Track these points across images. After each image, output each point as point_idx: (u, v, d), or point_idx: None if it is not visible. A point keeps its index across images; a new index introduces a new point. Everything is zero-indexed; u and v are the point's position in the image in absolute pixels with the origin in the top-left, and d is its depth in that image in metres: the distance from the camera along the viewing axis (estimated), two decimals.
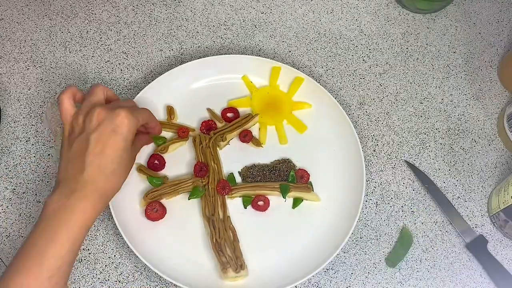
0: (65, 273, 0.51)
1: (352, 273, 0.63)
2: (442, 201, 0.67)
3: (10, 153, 0.66)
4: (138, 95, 0.67)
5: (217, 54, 0.74)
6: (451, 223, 0.66)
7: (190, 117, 0.69)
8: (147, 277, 0.61)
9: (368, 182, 0.68)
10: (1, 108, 0.68)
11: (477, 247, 0.65)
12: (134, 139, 0.57)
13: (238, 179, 0.66)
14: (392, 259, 0.63)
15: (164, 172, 0.66)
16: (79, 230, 0.51)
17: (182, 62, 0.73)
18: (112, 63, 0.73)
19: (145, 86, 0.68)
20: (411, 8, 0.80)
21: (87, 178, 0.52)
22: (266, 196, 0.64)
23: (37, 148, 0.67)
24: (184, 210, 0.63)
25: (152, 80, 0.68)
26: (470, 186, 0.69)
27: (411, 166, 0.69)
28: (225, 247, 0.60)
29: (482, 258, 0.64)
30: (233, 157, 0.67)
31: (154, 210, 0.62)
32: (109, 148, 0.53)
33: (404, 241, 0.64)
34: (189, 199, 0.63)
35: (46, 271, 0.49)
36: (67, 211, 0.51)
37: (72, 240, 0.51)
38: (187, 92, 0.70)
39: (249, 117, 0.68)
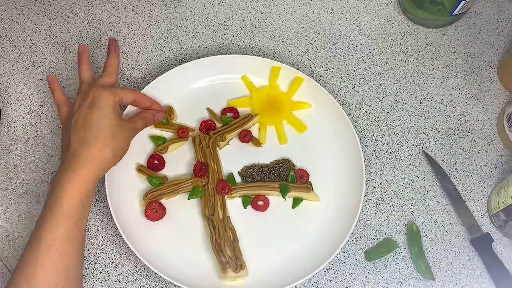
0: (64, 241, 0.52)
1: (352, 273, 0.63)
2: (452, 193, 0.68)
3: (10, 153, 0.66)
4: None
5: (216, 54, 0.74)
6: (458, 217, 0.66)
7: (190, 117, 0.69)
8: (147, 277, 0.61)
9: (368, 182, 0.68)
10: (1, 108, 0.68)
11: (482, 244, 0.65)
12: (133, 116, 0.63)
13: (238, 179, 0.66)
14: (372, 254, 0.63)
15: (163, 172, 0.66)
16: (67, 202, 0.53)
17: (181, 62, 0.73)
18: None
19: (144, 86, 0.68)
20: (415, 20, 0.80)
21: (71, 153, 0.55)
22: (266, 196, 0.64)
23: (36, 148, 0.67)
24: (183, 210, 0.63)
25: (152, 80, 0.68)
26: (469, 186, 0.69)
27: (427, 156, 0.70)
28: (225, 247, 0.60)
29: (486, 256, 0.64)
30: (233, 157, 0.67)
31: (154, 210, 0.62)
32: (88, 120, 0.56)
33: (389, 245, 0.64)
34: (188, 199, 0.63)
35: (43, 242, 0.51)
36: (54, 190, 0.53)
37: (63, 213, 0.52)
38: (186, 92, 0.70)
39: (249, 117, 0.68)
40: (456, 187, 0.68)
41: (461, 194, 0.68)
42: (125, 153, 0.60)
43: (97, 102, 0.57)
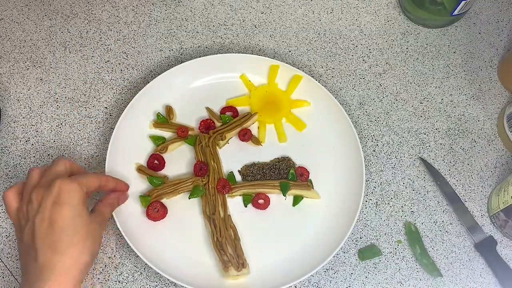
0: None
1: (352, 273, 0.63)
2: (452, 198, 0.67)
3: (10, 153, 0.66)
4: (138, 94, 0.67)
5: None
6: (459, 221, 0.66)
7: (189, 116, 0.69)
8: (147, 277, 0.61)
9: (368, 182, 0.68)
10: (1, 108, 0.68)
11: (486, 248, 0.64)
12: (97, 207, 0.55)
13: (238, 177, 0.66)
14: (365, 253, 0.63)
15: (164, 172, 0.66)
16: None
17: (181, 62, 0.73)
18: (112, 63, 0.73)
19: (144, 86, 0.68)
20: (415, 20, 0.80)
21: (42, 263, 0.47)
22: (267, 195, 0.64)
23: (36, 148, 0.67)
24: (184, 209, 0.63)
25: (152, 80, 0.68)
26: (470, 186, 0.69)
27: (424, 161, 0.69)
28: (226, 245, 0.60)
29: (491, 259, 0.64)
30: (233, 156, 0.67)
31: (156, 210, 0.62)
32: (56, 222, 0.48)
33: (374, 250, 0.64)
34: (189, 199, 0.63)
35: None
36: None
37: None
38: (185, 91, 0.70)
39: (248, 115, 0.68)
40: (455, 190, 0.68)
41: (461, 195, 0.68)
42: (98, 251, 0.53)
43: (67, 198, 0.49)
